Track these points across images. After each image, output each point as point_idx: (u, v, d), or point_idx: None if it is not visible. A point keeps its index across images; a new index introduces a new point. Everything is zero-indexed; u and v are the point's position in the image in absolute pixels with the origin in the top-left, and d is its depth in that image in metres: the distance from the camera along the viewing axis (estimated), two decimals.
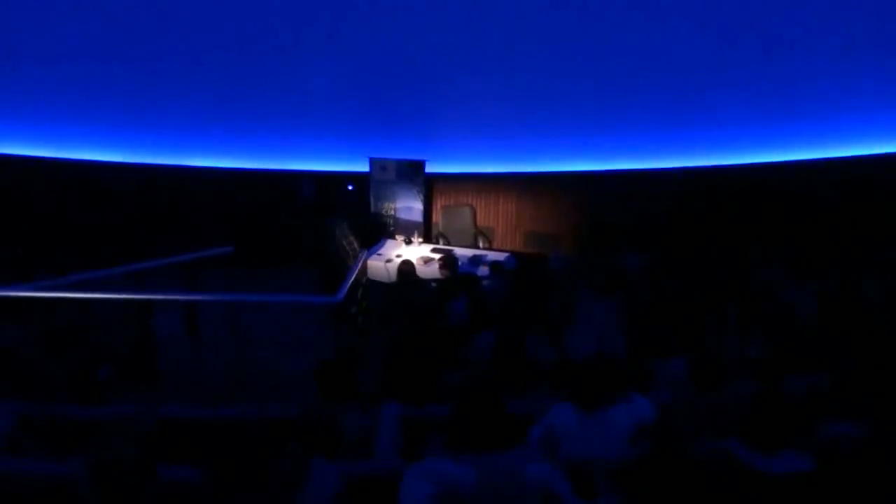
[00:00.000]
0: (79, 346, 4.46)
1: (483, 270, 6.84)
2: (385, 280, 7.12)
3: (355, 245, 7.13)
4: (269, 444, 2.07)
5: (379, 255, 7.63)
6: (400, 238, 8.25)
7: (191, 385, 4.74)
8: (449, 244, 8.36)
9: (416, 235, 8.20)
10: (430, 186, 9.13)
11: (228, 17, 8.13)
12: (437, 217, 9.20)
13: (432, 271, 6.89)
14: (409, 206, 8.90)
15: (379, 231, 8.71)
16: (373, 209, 8.99)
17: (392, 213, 8.97)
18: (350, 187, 9.19)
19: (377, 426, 2.86)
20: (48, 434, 2.93)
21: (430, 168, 8.84)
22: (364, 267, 6.99)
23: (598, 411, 2.74)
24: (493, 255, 7.54)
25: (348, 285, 5.54)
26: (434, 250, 7.80)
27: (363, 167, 9.00)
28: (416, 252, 7.68)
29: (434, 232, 9.04)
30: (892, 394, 2.83)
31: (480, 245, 8.69)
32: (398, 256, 7.26)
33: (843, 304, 4.58)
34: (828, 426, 2.71)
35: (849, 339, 3.97)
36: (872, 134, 7.95)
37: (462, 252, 7.61)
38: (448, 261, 6.21)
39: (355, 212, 8.81)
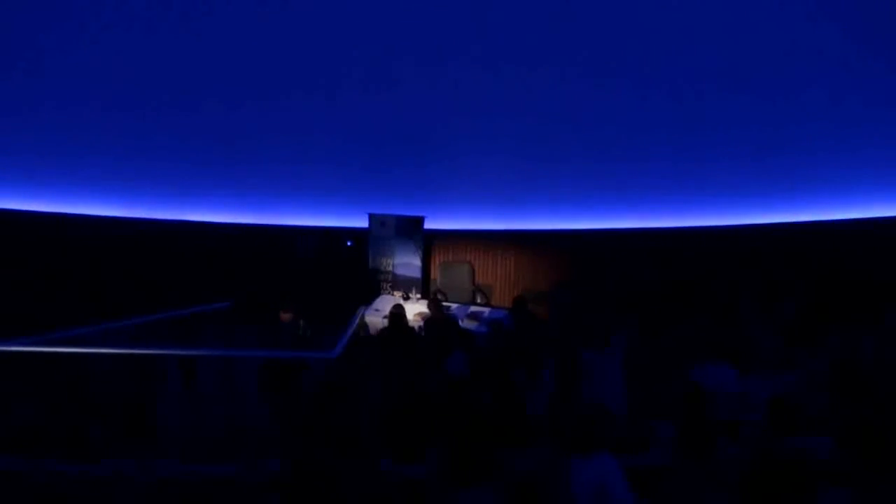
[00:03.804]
0: (74, 401, 4.42)
1: (480, 327, 6.85)
2: None
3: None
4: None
5: (377, 310, 7.64)
6: (398, 294, 8.28)
7: (187, 441, 4.67)
8: (447, 300, 8.38)
9: (413, 292, 8.23)
10: (429, 243, 9.22)
11: (231, 77, 8.36)
12: (435, 273, 9.26)
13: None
14: (408, 263, 8.96)
15: (377, 287, 8.75)
16: (371, 265, 9.05)
17: (390, 269, 9.03)
18: (349, 243, 9.27)
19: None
20: (42, 491, 2.89)
21: (429, 224, 8.95)
22: (362, 322, 7.00)
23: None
24: (490, 312, 7.56)
25: (345, 341, 5.53)
26: None
27: (362, 223, 9.11)
28: (414, 308, 7.69)
29: (432, 288, 9.08)
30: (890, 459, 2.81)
31: (478, 301, 8.72)
32: None
33: (842, 368, 4.58)
34: (828, 492, 2.69)
35: (848, 402, 3.96)
36: (862, 199, 8.09)
37: (460, 308, 7.63)
38: (435, 302, 6.26)
39: (354, 267, 8.86)
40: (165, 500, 3.00)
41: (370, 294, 8.25)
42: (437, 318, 6.20)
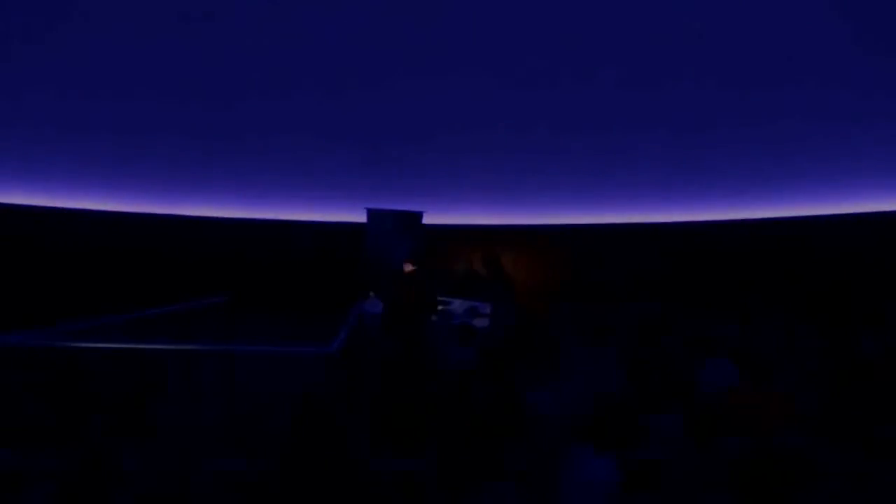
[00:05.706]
0: (71, 396, 4.40)
1: (480, 322, 6.82)
2: None
3: None
4: None
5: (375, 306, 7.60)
6: None
7: (184, 437, 4.65)
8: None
9: None
10: (428, 238, 9.18)
11: (232, 72, 8.34)
12: None
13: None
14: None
15: (375, 282, 8.70)
16: (369, 260, 9.01)
17: (388, 264, 8.97)
18: (346, 239, 9.24)
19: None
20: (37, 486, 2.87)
21: (428, 220, 8.91)
22: (361, 317, 6.95)
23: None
24: (489, 308, 7.52)
25: (343, 336, 5.49)
26: None
27: (361, 218, 9.07)
28: None
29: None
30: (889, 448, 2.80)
31: None
32: None
33: (842, 361, 4.56)
34: (824, 487, 2.67)
35: (847, 395, 3.94)
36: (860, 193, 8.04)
37: (459, 304, 7.60)
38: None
39: (352, 262, 8.83)
40: (163, 497, 2.99)
41: (368, 289, 8.21)
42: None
